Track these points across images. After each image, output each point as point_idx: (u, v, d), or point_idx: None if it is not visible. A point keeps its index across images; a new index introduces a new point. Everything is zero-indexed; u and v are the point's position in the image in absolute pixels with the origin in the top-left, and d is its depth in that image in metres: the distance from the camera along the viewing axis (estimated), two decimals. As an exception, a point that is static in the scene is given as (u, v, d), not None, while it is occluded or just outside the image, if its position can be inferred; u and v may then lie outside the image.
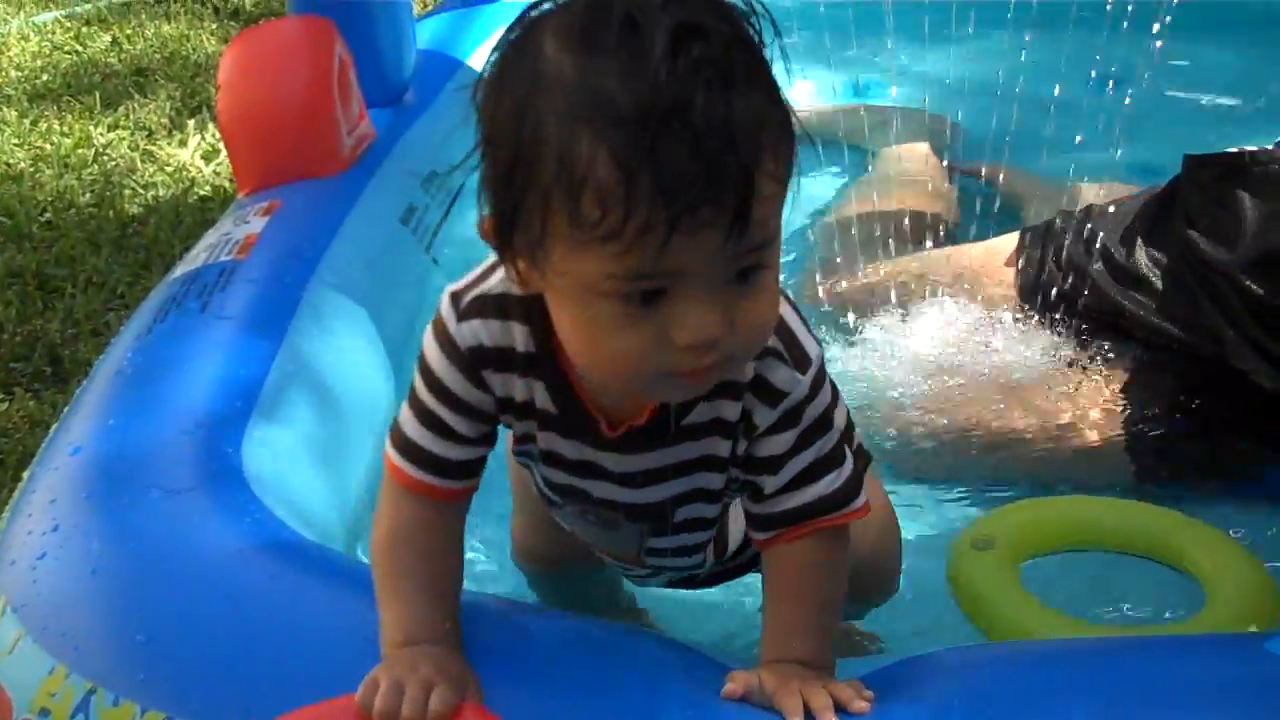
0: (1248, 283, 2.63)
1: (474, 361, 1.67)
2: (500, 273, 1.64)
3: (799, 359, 1.66)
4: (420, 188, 3.23)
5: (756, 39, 1.48)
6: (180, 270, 2.77)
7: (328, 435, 2.45)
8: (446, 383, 1.68)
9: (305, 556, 1.96)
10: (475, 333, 1.65)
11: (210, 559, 1.95)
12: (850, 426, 1.85)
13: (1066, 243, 2.95)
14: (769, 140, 1.45)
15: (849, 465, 1.74)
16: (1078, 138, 3.50)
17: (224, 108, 3.05)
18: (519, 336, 1.65)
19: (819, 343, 1.71)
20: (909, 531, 2.34)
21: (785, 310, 1.65)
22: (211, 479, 2.11)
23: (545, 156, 1.42)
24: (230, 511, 2.04)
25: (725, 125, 1.41)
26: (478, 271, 1.68)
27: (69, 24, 5.64)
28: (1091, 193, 3.23)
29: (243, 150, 3.06)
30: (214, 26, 5.58)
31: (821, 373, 1.70)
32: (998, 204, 3.49)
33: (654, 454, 1.72)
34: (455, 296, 1.67)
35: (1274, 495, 2.60)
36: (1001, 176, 3.55)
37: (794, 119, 1.49)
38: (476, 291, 1.66)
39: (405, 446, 1.71)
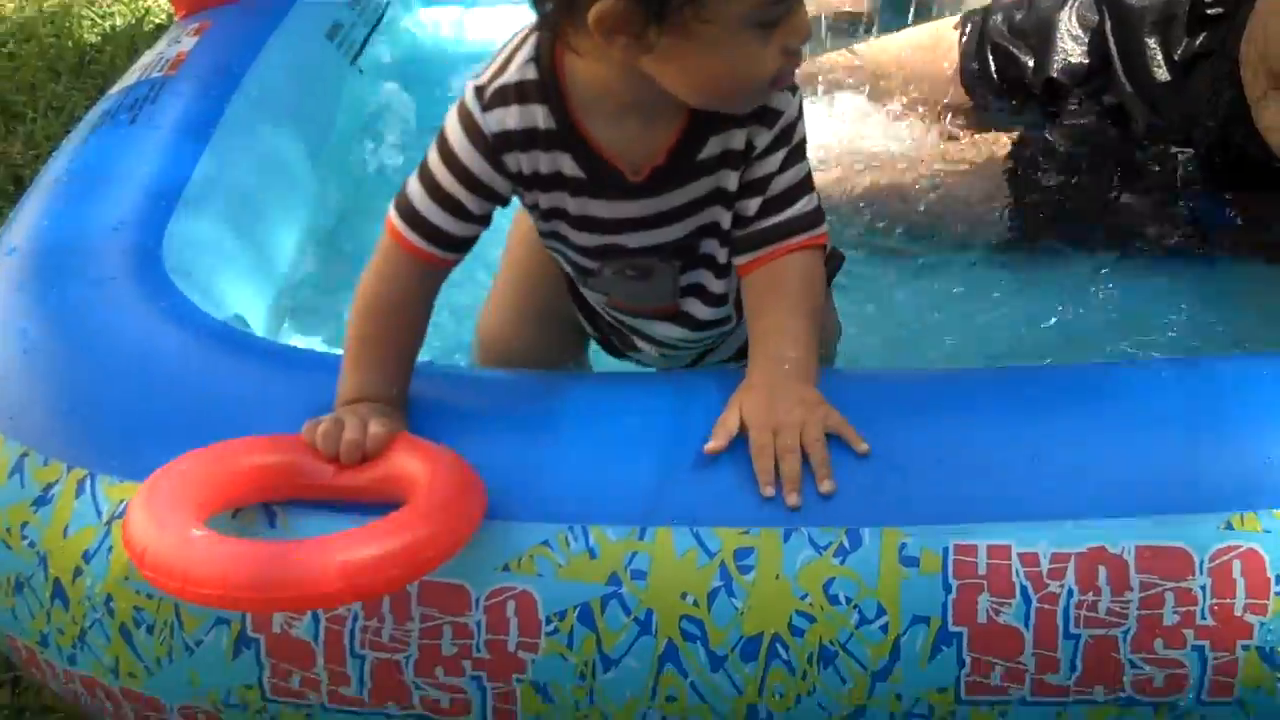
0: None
1: (498, 146, 1.86)
2: (516, 63, 1.85)
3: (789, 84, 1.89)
4: (347, 6, 3.37)
5: None
6: (116, 88, 2.93)
7: (247, 232, 2.62)
8: (467, 164, 1.87)
9: (213, 333, 2.15)
10: (500, 120, 1.85)
11: (127, 337, 2.14)
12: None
13: (998, 24, 3.12)
14: None
15: (816, 196, 1.95)
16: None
17: (157, -65, 3.21)
18: (540, 116, 1.85)
19: None
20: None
21: None
22: (132, 270, 2.28)
23: None
24: (147, 297, 2.21)
25: None
26: (495, 65, 1.87)
27: None
28: None
29: (177, -26, 3.21)
30: None
31: (801, 100, 1.92)
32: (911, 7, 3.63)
33: (675, 192, 1.91)
34: (479, 90, 1.86)
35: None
36: None
37: None
38: (499, 83, 1.85)
39: (412, 217, 1.90)
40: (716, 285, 2.04)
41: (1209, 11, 2.82)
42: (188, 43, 3.01)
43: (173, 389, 2.04)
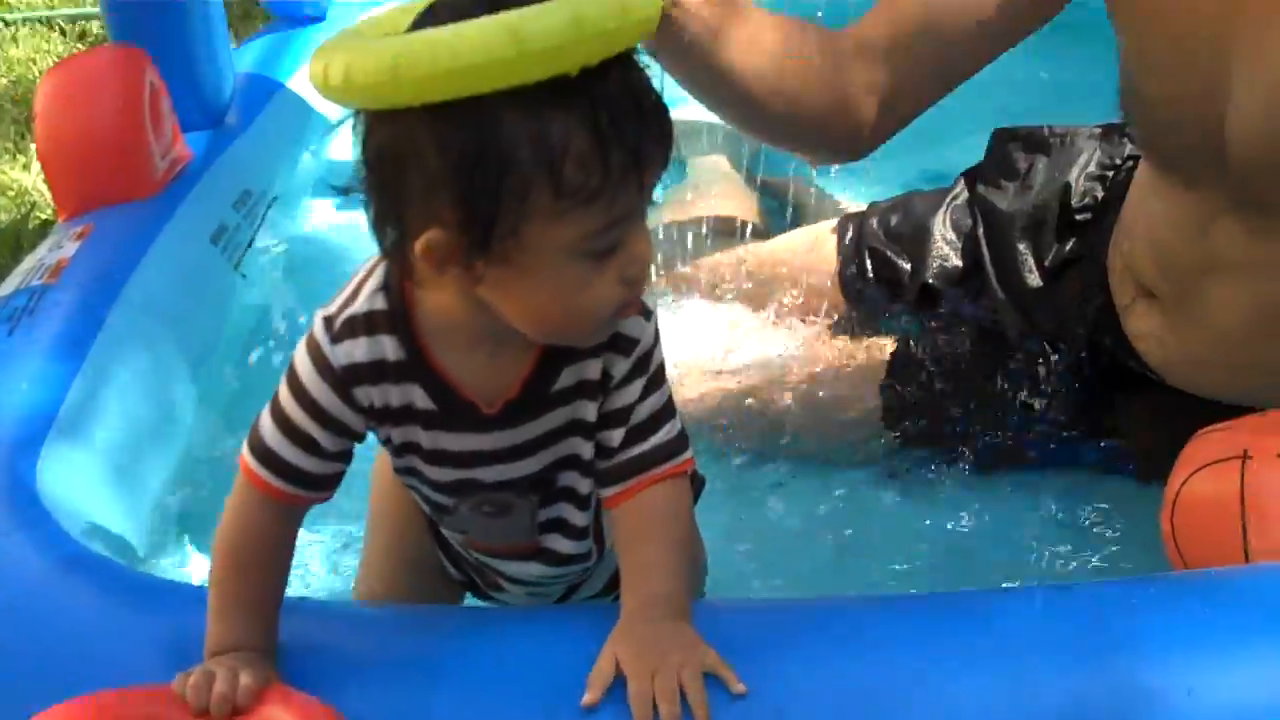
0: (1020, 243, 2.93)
1: (347, 379, 1.84)
2: (365, 292, 1.83)
3: (642, 309, 1.87)
4: (232, 208, 3.38)
5: None
6: (-6, 297, 2.91)
7: (126, 452, 2.61)
8: (317, 398, 1.84)
9: (90, 569, 2.11)
10: (349, 352, 1.82)
11: (-1, 572, 2.11)
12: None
13: (874, 228, 3.16)
14: None
15: (679, 420, 1.93)
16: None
17: (40, 136, 3.20)
18: (389, 348, 1.83)
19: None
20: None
21: None
22: (4, 499, 2.26)
23: (519, 144, 1.61)
24: (20, 528, 2.18)
25: (639, 74, 1.67)
26: (345, 295, 1.85)
27: (-85, 49, 5.71)
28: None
29: (58, 177, 3.21)
30: (60, 49, 5.65)
31: (657, 325, 1.90)
32: (790, 214, 3.72)
33: (530, 424, 1.88)
34: (328, 320, 1.84)
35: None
36: (791, 189, 3.75)
37: None
38: (347, 313, 1.83)
39: (264, 454, 1.87)
40: (578, 518, 2.02)
41: (1077, 218, 2.89)
42: (70, 248, 3.00)
43: (46, 630, 2.00)
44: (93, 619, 2.01)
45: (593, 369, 1.87)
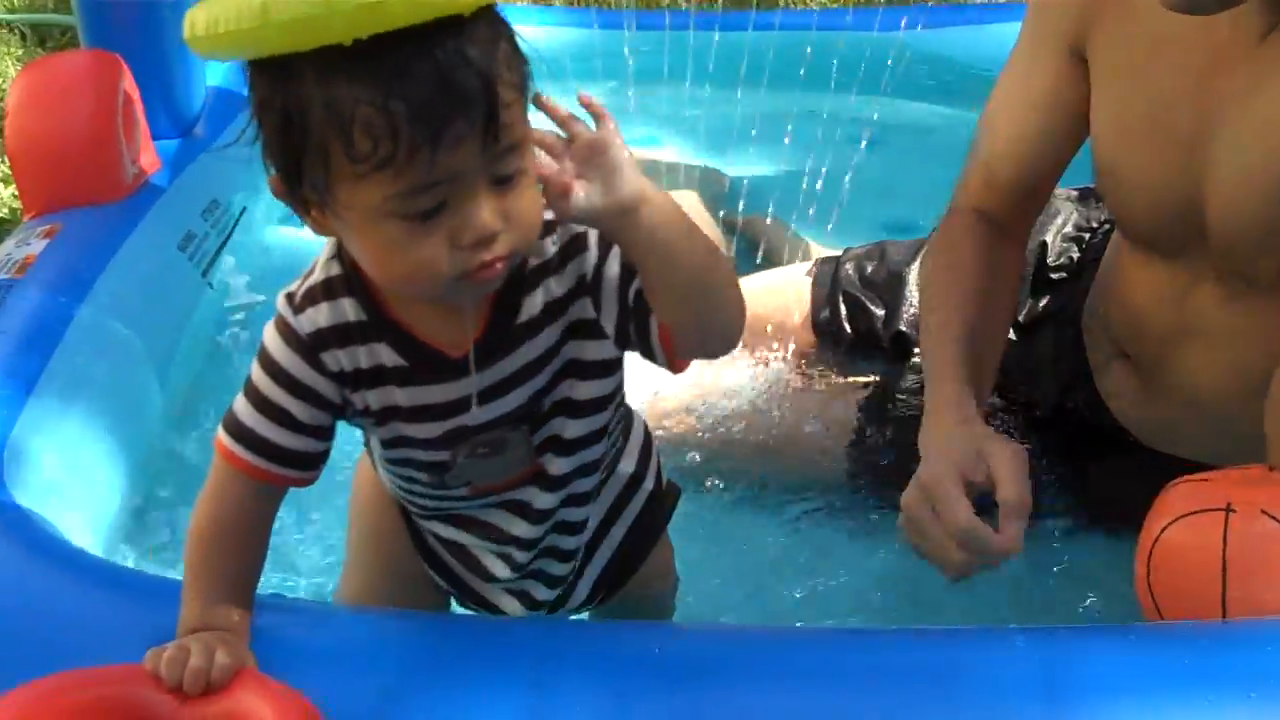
0: None
1: (314, 345, 1.85)
2: (320, 263, 1.86)
3: (563, 236, 1.86)
4: (200, 216, 3.36)
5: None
6: (-41, 289, 2.87)
7: (91, 448, 2.59)
8: (288, 368, 1.86)
9: (53, 554, 2.10)
10: (312, 319, 1.85)
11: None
12: None
13: (849, 273, 3.16)
14: (502, 55, 1.67)
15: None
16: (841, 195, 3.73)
17: (10, 134, 3.17)
18: (349, 309, 1.85)
19: None
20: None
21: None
22: (-31, 484, 2.23)
23: (313, 107, 1.62)
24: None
25: (460, 49, 1.63)
26: (305, 273, 1.88)
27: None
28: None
29: (27, 175, 3.17)
30: (20, 53, 5.62)
31: (595, 241, 1.87)
32: (760, 255, 3.73)
33: (505, 360, 1.88)
34: (290, 296, 1.87)
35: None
36: (765, 233, 3.76)
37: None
38: (307, 285, 1.86)
39: (240, 432, 1.88)
40: (574, 429, 1.99)
41: (1053, 276, 2.90)
42: (37, 245, 2.97)
43: (15, 620, 1.97)
44: (63, 609, 2.00)
45: (554, 287, 1.87)
